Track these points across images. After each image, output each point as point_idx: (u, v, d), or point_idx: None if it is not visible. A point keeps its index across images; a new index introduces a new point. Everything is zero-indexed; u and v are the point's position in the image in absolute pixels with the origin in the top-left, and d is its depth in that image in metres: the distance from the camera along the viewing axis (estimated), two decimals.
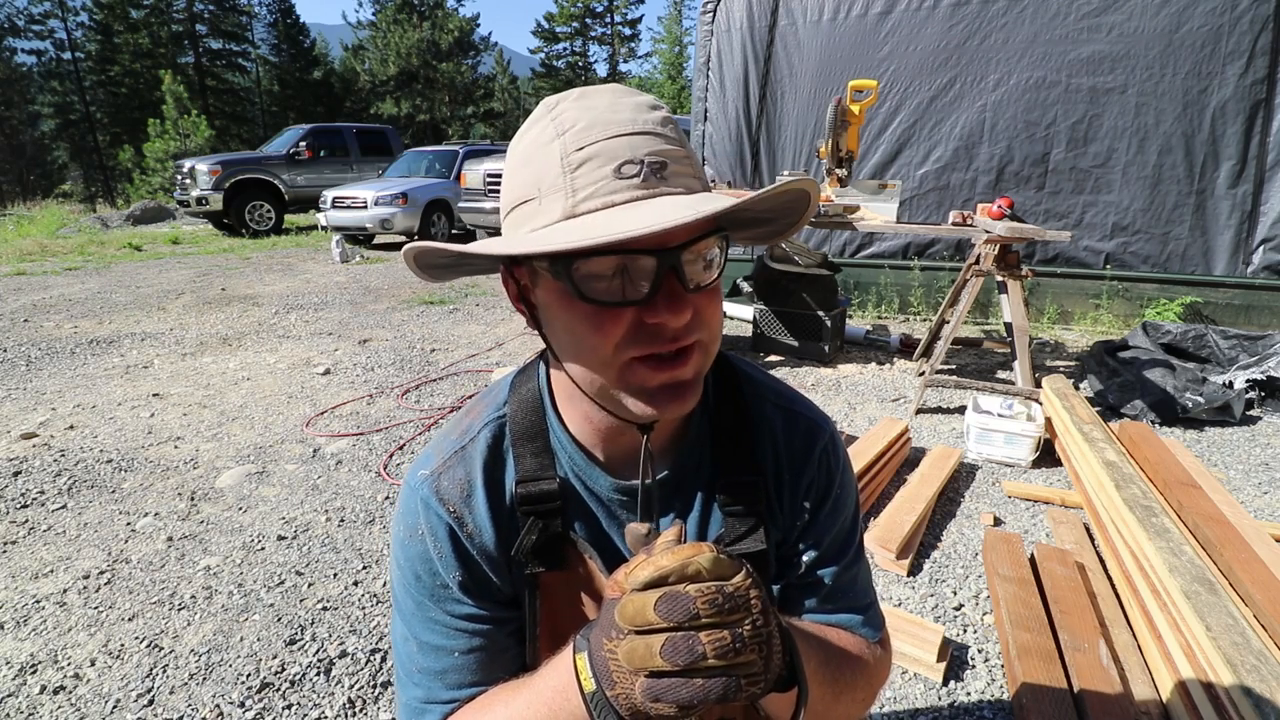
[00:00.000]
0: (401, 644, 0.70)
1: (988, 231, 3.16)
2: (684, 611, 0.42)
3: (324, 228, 10.07)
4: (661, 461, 0.70)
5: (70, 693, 1.65)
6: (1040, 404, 2.96)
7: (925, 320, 5.11)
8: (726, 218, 0.60)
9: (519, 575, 0.69)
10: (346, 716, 1.57)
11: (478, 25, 33.20)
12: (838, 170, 3.58)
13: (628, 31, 36.51)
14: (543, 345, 0.68)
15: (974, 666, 1.69)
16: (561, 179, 0.53)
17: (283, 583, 2.07)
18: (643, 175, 0.52)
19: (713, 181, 5.00)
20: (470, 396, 3.65)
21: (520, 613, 0.70)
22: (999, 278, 3.22)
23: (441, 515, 0.67)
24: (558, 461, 0.70)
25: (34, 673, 1.71)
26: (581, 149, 0.53)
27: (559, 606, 0.70)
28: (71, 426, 3.31)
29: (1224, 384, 3.25)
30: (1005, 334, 3.78)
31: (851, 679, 0.68)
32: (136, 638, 1.83)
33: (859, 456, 2.45)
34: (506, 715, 0.59)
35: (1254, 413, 3.20)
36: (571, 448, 0.69)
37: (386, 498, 2.59)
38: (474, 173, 9.01)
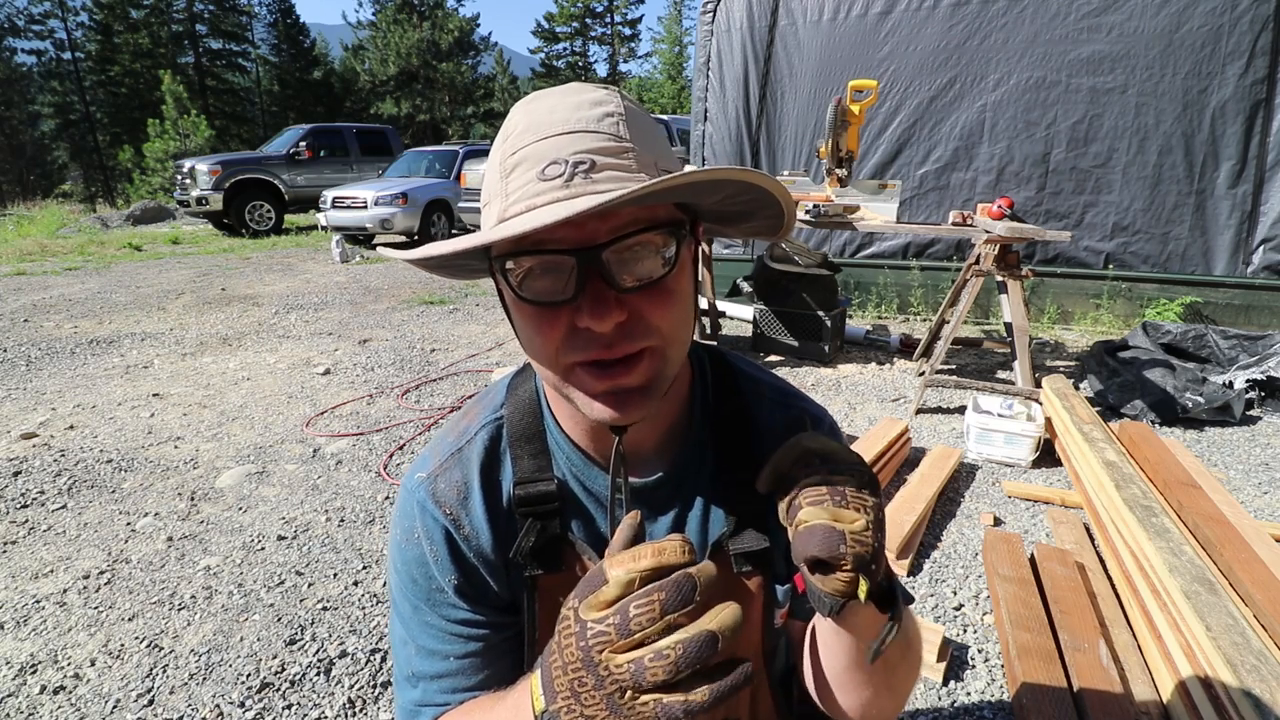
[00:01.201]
0: (400, 647, 0.70)
1: (988, 231, 3.15)
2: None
3: (324, 228, 10.06)
4: (660, 461, 0.70)
5: (70, 693, 1.65)
6: (1040, 404, 2.96)
7: (925, 320, 5.11)
8: (700, 211, 0.60)
9: (517, 578, 0.69)
10: (346, 716, 1.58)
11: (478, 25, 33.20)
12: (838, 170, 3.58)
13: (628, 31, 36.55)
14: None
15: (974, 666, 1.69)
16: (499, 184, 0.54)
17: (283, 583, 2.07)
18: (566, 175, 0.50)
19: None
20: (469, 397, 3.65)
21: (519, 618, 0.70)
22: (999, 278, 3.21)
23: (438, 518, 0.67)
24: (555, 462, 0.69)
25: (34, 673, 1.72)
26: (514, 154, 0.53)
27: (558, 609, 0.70)
28: (71, 426, 3.31)
29: (1224, 384, 3.25)
30: (1005, 334, 3.78)
31: (914, 629, 0.68)
32: (136, 638, 1.83)
33: None
34: None
35: (1254, 413, 3.20)
36: (569, 448, 0.69)
37: (386, 498, 2.59)
38: (474, 173, 9.04)
